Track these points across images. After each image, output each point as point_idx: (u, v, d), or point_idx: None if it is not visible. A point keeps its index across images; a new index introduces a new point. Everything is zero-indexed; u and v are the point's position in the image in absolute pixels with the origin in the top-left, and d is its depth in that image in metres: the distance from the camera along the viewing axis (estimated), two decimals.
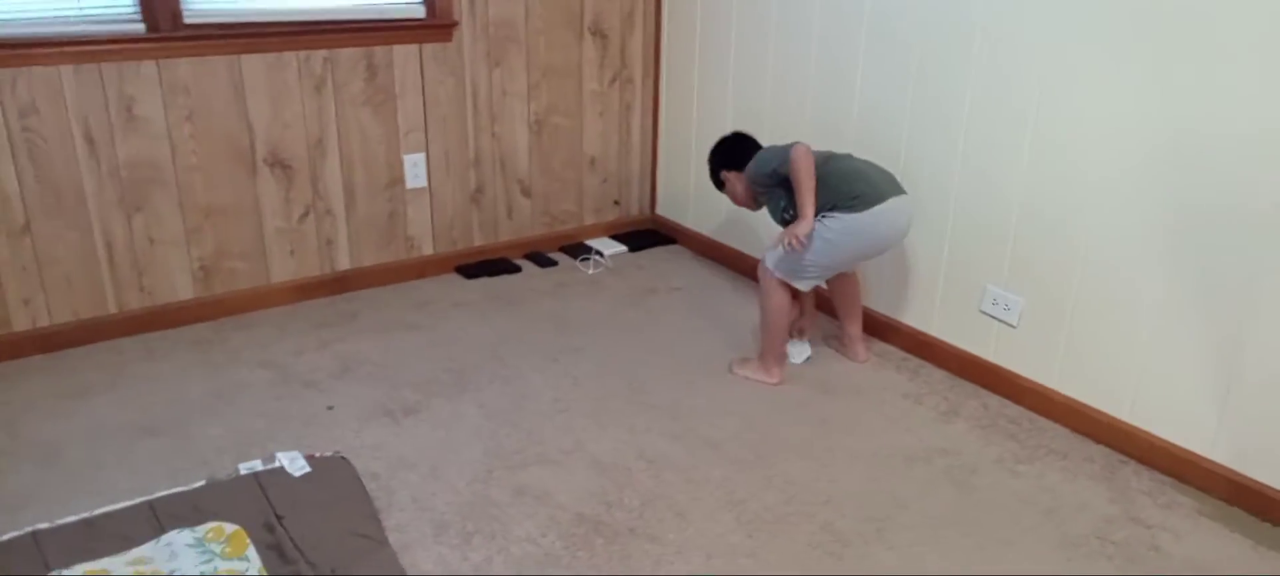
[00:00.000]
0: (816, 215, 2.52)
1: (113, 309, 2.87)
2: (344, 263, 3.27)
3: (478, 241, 3.58)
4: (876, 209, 2.53)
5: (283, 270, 3.15)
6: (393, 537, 2.02)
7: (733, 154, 2.81)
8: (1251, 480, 2.20)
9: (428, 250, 3.46)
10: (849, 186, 2.55)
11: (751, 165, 2.70)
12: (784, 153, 2.57)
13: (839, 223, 2.53)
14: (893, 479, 2.30)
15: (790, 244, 2.51)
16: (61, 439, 2.38)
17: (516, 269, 3.56)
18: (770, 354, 2.74)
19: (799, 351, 2.88)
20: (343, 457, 2.24)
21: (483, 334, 3.02)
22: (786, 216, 2.67)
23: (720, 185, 2.86)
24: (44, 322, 2.78)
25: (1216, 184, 2.14)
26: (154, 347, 2.86)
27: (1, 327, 2.73)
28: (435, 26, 3.21)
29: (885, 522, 2.14)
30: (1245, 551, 2.08)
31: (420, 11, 3.19)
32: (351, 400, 2.59)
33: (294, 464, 2.17)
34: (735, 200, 2.85)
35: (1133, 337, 2.38)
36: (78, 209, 2.74)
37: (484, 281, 3.44)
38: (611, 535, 2.07)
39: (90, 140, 2.70)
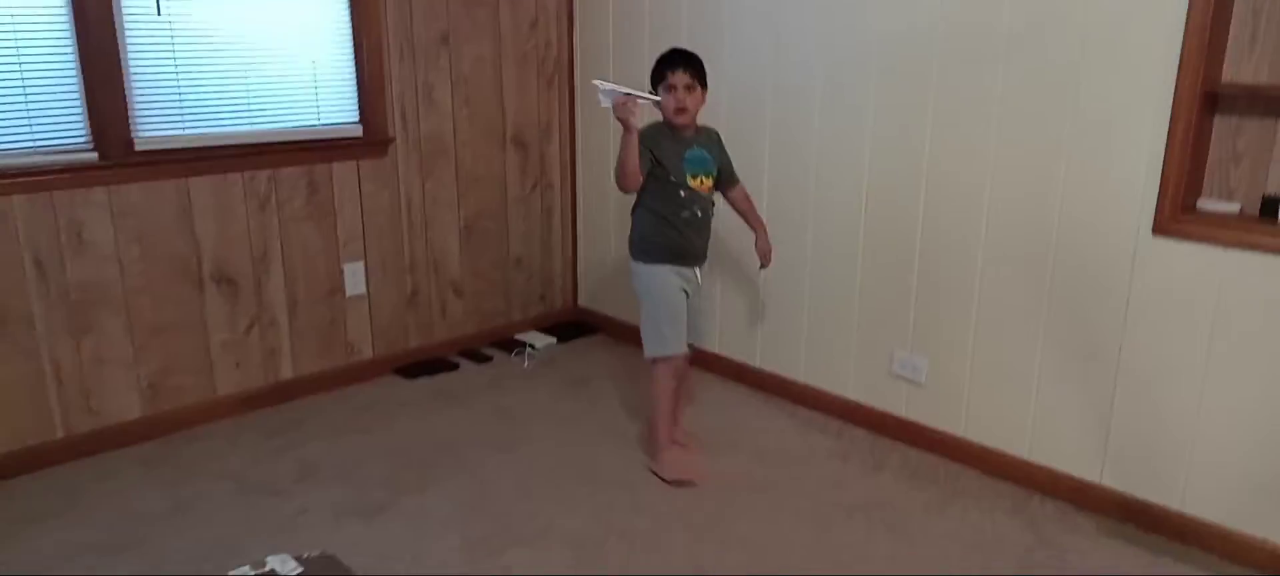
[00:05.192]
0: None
1: (60, 433, 2.85)
2: (287, 372, 3.34)
3: (414, 342, 3.71)
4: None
5: (228, 383, 3.19)
6: None
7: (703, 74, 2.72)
8: (1136, 499, 2.56)
9: (367, 354, 3.56)
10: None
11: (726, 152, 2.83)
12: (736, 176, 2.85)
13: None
14: (837, 531, 2.55)
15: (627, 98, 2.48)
16: (28, 564, 2.36)
17: (454, 366, 3.70)
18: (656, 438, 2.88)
19: None
20: (331, 556, 2.32)
21: (434, 430, 3.14)
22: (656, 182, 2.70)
23: (701, 83, 2.68)
24: None
25: (1080, 251, 2.55)
26: (105, 468, 2.84)
27: None
28: (371, 143, 3.39)
29: (840, 571, 2.38)
30: (1144, 561, 2.42)
31: (358, 131, 3.36)
32: (320, 503, 2.66)
33: (284, 565, 2.23)
34: (686, 108, 2.66)
35: (1025, 385, 2.74)
36: (25, 334, 2.74)
37: (424, 381, 3.56)
38: None
39: (40, 266, 2.72)
